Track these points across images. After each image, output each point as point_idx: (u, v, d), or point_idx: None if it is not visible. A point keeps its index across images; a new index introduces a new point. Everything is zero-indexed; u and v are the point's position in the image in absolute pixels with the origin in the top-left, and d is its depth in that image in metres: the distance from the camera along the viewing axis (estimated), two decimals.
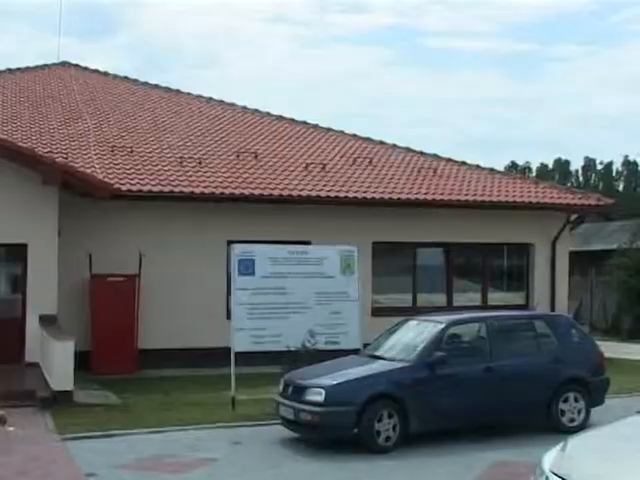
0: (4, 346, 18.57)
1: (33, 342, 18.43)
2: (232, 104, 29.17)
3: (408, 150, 27.24)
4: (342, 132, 27.94)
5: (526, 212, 24.46)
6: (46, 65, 30.10)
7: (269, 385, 15.92)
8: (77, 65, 30.94)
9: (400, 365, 13.05)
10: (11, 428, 12.90)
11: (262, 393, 16.02)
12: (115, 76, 30.56)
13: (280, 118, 28.44)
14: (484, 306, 24.11)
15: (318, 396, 12.48)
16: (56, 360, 15.83)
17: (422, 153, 27.17)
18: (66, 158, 20.87)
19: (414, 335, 13.93)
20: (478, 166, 26.88)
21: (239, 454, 12.36)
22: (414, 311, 20.24)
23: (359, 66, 70.68)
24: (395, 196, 22.96)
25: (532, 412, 13.87)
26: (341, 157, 25.29)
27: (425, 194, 23.47)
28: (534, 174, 71.42)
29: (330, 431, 12.52)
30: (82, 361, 16.91)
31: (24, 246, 18.85)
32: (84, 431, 13.52)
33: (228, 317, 18.28)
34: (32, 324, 18.50)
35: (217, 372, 18.21)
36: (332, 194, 22.35)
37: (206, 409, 15.39)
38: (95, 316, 19.98)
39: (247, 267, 15.38)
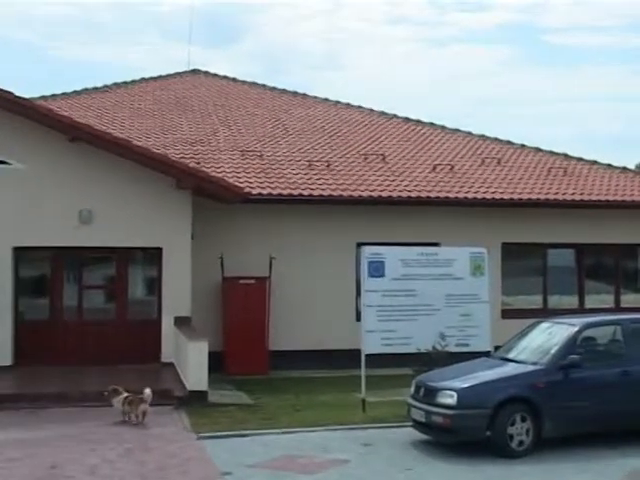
0: (141, 347, 19.21)
1: (168, 343, 18.99)
2: (359, 107, 29.29)
3: (537, 150, 26.80)
4: (469, 133, 27.69)
5: None
6: (177, 73, 30.85)
7: (399, 387, 15.98)
8: (206, 72, 31.60)
9: (533, 368, 12.86)
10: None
11: (392, 395, 16.06)
12: (243, 82, 31.07)
13: (407, 120, 28.39)
14: (617, 308, 23.52)
15: (450, 399, 12.41)
16: (191, 360, 16.22)
17: (552, 153, 26.68)
18: (198, 163, 21.38)
19: (547, 338, 13.70)
20: (610, 165, 26.22)
21: (370, 456, 12.37)
22: (545, 313, 19.86)
23: (478, 65, 69.93)
24: (525, 196, 22.65)
25: None
26: (469, 158, 25.09)
27: (555, 194, 23.06)
28: None
29: (462, 434, 12.42)
30: (215, 361, 17.22)
31: (159, 250, 19.41)
32: (219, 430, 13.80)
33: (357, 319, 18.39)
34: (167, 325, 19.06)
35: (346, 374, 18.36)
36: (460, 195, 22.20)
37: (336, 410, 15.46)
38: (227, 317, 20.38)
39: (377, 269, 15.40)
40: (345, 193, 21.42)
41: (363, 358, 15.33)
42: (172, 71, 30.85)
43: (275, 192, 20.93)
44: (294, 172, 22.24)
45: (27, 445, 12.86)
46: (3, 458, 12.16)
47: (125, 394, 14.50)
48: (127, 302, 20.03)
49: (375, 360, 15.54)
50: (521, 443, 12.26)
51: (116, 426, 14.17)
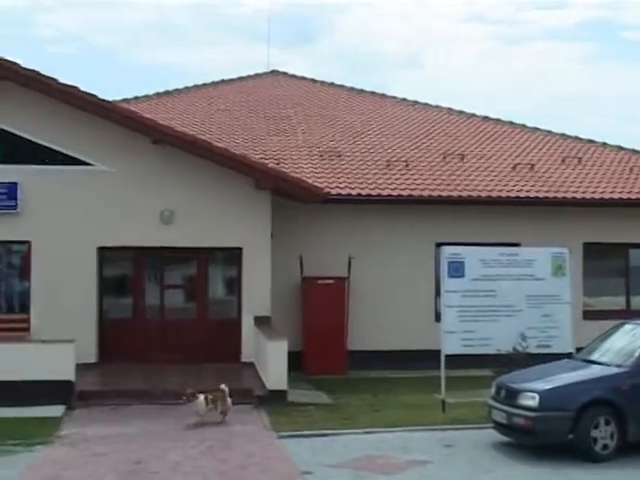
0: (222, 346, 19.44)
1: (248, 342, 19.16)
2: (437, 106, 29.15)
3: (619, 148, 26.32)
4: (549, 131, 27.32)
5: None
6: (257, 74, 31.09)
7: (478, 388, 15.87)
8: (285, 73, 31.78)
9: (617, 370, 12.66)
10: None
11: (472, 396, 15.96)
12: (322, 82, 31.17)
13: (486, 119, 28.16)
14: None
15: (532, 401, 12.27)
16: (270, 360, 16.35)
17: (634, 151, 26.17)
18: (277, 163, 21.52)
19: (631, 339, 13.45)
20: None
21: (451, 457, 12.32)
22: (628, 314, 19.56)
23: (556, 63, 68.78)
24: (606, 196, 22.31)
25: None
26: (549, 157, 24.77)
27: (638, 193, 22.63)
28: None
29: (544, 436, 12.26)
30: (294, 361, 17.30)
31: (239, 249, 19.60)
32: (298, 429, 13.89)
33: (436, 319, 18.34)
34: (247, 325, 19.25)
35: (425, 374, 18.29)
36: (541, 195, 21.95)
37: (416, 411, 15.43)
38: (306, 317, 20.48)
39: (457, 269, 15.32)
40: (424, 193, 21.35)
41: (443, 359, 15.27)
42: (251, 72, 31.15)
43: (354, 192, 20.97)
44: (373, 172, 22.25)
45: (112, 441, 13.13)
46: (90, 453, 12.45)
47: (203, 394, 14.47)
48: (208, 302, 20.28)
49: (454, 361, 15.46)
50: (605, 447, 12.07)
51: (197, 424, 14.34)
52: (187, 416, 14.51)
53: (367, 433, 13.79)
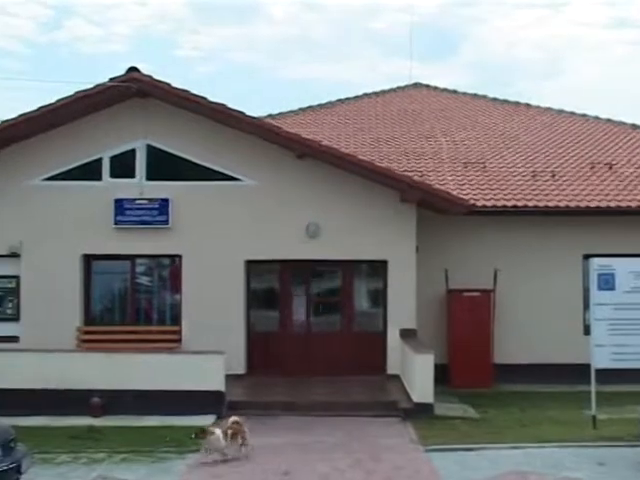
0: (368, 358, 19.53)
1: (394, 355, 19.18)
2: (583, 115, 28.49)
3: None
4: None
5: None
6: (399, 87, 31.15)
7: (631, 404, 15.45)
8: (427, 85, 31.72)
9: None
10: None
11: (624, 412, 15.55)
12: (464, 93, 30.96)
13: (634, 127, 27.34)
14: None
15: None
16: (417, 373, 16.34)
17: None
18: (421, 175, 21.50)
19: None
20: None
21: (604, 476, 11.97)
22: None
23: None
24: None
25: None
26: None
27: None
28: None
29: None
30: (439, 374, 17.19)
31: (384, 262, 19.67)
32: (445, 443, 13.81)
33: (585, 332, 17.94)
34: (393, 337, 19.27)
35: (573, 389, 17.91)
36: None
37: (565, 427, 15.10)
38: (451, 330, 20.37)
39: (607, 282, 14.97)
40: (571, 203, 20.91)
41: (593, 373, 14.93)
42: (392, 85, 31.24)
43: (499, 204, 20.74)
44: (518, 183, 21.95)
45: (260, 451, 13.35)
46: (239, 462, 12.74)
47: (218, 430, 13.09)
48: (353, 314, 20.39)
49: (604, 375, 15.12)
50: None
51: (344, 436, 14.46)
52: (335, 428, 14.61)
53: (515, 448, 13.57)
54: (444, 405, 16.82)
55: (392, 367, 19.26)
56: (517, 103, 29.86)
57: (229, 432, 13.01)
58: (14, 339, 19.17)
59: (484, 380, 19.84)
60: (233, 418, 13.33)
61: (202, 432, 12.95)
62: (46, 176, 19.76)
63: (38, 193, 19.67)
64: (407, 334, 18.91)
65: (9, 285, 19.95)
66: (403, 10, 62.08)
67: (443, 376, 18.94)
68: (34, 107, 18.78)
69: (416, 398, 16.20)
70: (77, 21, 66.00)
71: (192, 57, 69.52)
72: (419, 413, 15.81)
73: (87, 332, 19.59)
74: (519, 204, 20.77)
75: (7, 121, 18.91)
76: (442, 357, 19.43)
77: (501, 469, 12.25)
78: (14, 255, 19.62)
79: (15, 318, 19.76)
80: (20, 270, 19.71)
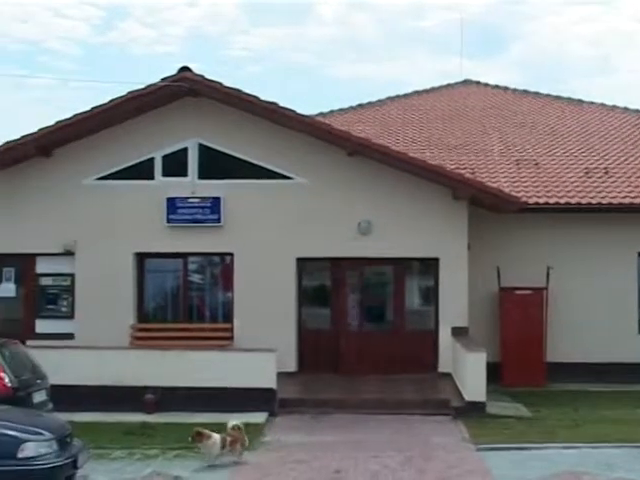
0: (419, 356, 19.50)
1: (445, 353, 19.14)
2: (636, 110, 28.09)
3: None
4: None
5: None
6: (449, 84, 30.99)
7: None
8: (478, 82, 31.50)
9: None
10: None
11: None
12: (515, 90, 30.67)
13: None
14: None
15: None
16: (468, 371, 16.28)
17: None
18: (473, 173, 21.40)
19: None
20: None
21: None
22: None
23: None
24: None
25: None
26: None
27: None
28: None
29: None
30: (491, 372, 17.08)
31: (436, 260, 19.61)
32: (497, 442, 13.70)
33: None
34: (444, 335, 19.24)
35: (627, 388, 17.74)
36: None
37: (619, 426, 14.92)
38: (504, 328, 20.23)
39: None
40: (625, 200, 20.68)
41: None
42: (442, 83, 31.09)
43: (552, 201, 20.57)
44: (571, 180, 21.75)
45: (312, 449, 13.42)
46: (293, 459, 12.79)
47: (216, 435, 12.49)
48: (404, 312, 20.35)
49: None
50: None
51: (395, 434, 14.45)
52: (385, 426, 14.60)
53: (568, 448, 13.43)
54: (496, 404, 16.73)
55: (444, 365, 19.20)
56: (569, 99, 29.52)
57: (228, 439, 12.44)
58: (69, 336, 19.43)
59: (536, 379, 19.70)
60: (233, 423, 12.75)
61: (198, 435, 12.36)
62: (99, 175, 20.00)
63: (92, 192, 19.92)
64: (459, 332, 18.83)
65: (64, 283, 20.26)
66: (450, 8, 61.54)
67: (495, 375, 18.79)
68: (88, 107, 19.05)
69: (468, 397, 16.14)
70: (130, 23, 66.61)
71: (242, 57, 69.79)
72: (471, 412, 15.74)
73: (140, 329, 19.82)
74: (572, 201, 20.59)
75: (62, 121, 19.16)
76: (494, 355, 19.24)
77: (554, 469, 12.11)
78: (69, 253, 19.90)
79: (70, 316, 20.05)
80: (75, 268, 19.99)
